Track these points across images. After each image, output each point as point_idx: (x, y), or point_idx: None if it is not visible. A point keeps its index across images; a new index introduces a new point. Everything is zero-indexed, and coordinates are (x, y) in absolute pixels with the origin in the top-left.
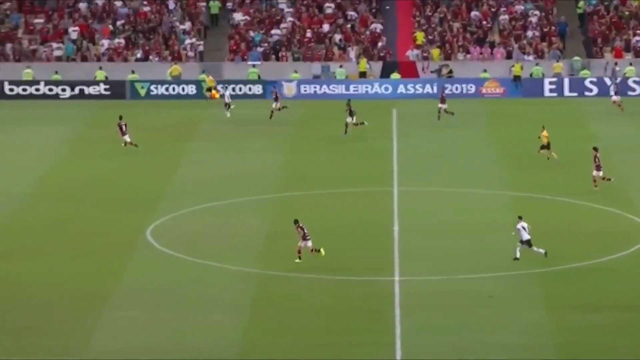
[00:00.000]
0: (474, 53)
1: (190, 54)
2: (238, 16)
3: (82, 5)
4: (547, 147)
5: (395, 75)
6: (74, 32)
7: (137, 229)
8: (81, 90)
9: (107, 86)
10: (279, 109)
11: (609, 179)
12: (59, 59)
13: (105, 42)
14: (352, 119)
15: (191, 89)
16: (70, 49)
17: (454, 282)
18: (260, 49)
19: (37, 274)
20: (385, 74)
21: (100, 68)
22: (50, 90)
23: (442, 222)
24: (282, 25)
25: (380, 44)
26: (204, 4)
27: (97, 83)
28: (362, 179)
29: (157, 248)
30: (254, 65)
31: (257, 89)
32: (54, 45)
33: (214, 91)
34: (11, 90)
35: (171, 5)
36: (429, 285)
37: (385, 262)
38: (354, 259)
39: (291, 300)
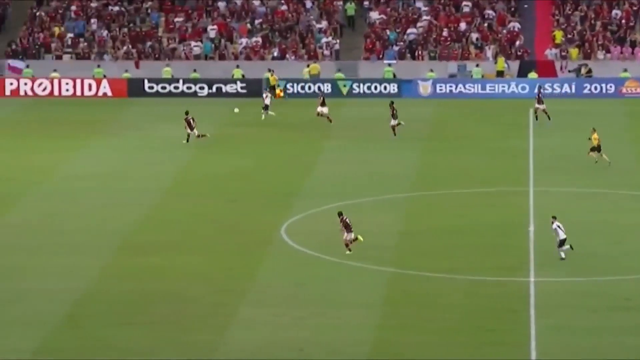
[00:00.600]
0: (614, 52)
1: (326, 52)
2: (374, 15)
3: (221, 4)
4: (597, 149)
5: (533, 75)
6: (212, 30)
7: (272, 226)
8: (218, 89)
9: (244, 84)
10: (325, 116)
11: None
12: (197, 57)
13: (243, 41)
14: (395, 121)
15: (327, 88)
16: (208, 47)
17: (590, 283)
18: (396, 48)
19: (174, 270)
20: (522, 73)
21: (238, 66)
22: (189, 88)
23: (578, 222)
24: (419, 24)
25: (518, 42)
26: (340, 2)
27: (234, 81)
28: (498, 178)
29: (292, 246)
30: (389, 64)
31: (393, 88)
32: (193, 43)
33: (278, 90)
34: (151, 88)
35: (308, 4)
36: (565, 286)
37: (521, 262)
38: (489, 258)
39: (424, 300)
